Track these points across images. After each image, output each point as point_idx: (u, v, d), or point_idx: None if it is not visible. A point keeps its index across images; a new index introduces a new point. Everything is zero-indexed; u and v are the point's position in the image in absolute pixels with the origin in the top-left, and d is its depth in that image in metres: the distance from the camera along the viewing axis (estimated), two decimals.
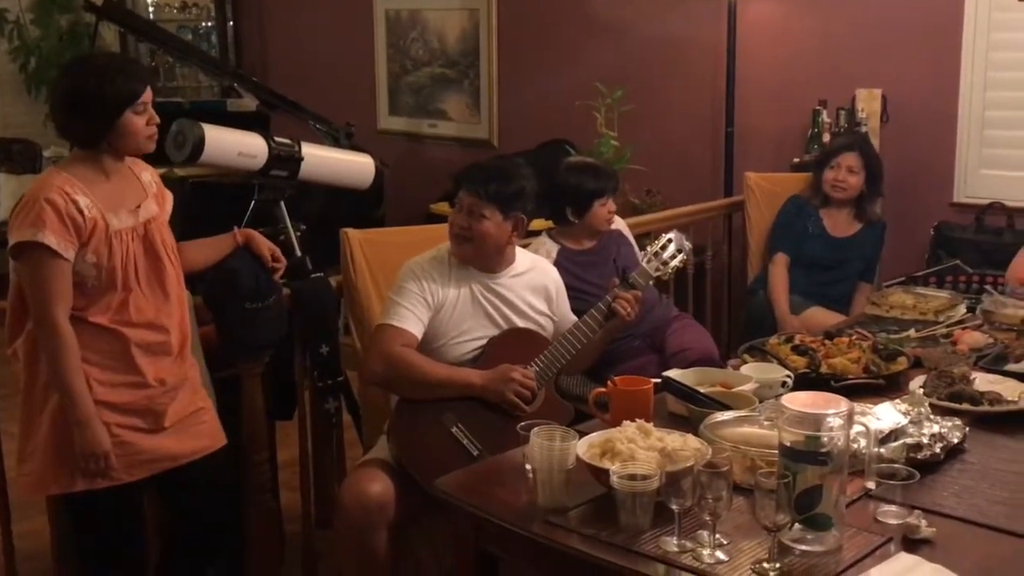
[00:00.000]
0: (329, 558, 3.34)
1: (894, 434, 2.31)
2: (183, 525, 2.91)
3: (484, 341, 2.94)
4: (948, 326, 3.32)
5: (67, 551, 3.04)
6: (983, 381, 2.74)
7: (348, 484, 2.84)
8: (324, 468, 3.45)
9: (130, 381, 2.64)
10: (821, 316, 4.07)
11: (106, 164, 2.64)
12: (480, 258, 2.95)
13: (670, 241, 3.04)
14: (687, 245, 3.07)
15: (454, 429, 2.81)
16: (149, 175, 2.80)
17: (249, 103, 6.19)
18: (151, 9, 7.79)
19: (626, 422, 2.26)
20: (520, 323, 2.99)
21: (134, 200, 2.69)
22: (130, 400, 2.64)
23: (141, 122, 2.60)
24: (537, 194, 3.02)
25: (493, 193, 2.88)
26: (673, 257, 3.03)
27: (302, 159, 3.42)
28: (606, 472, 2.05)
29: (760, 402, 2.53)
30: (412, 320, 2.88)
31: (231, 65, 7.15)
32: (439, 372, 2.85)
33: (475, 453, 2.78)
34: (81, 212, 2.53)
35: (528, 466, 2.18)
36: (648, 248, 3.08)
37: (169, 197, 2.84)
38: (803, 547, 1.92)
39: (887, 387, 2.77)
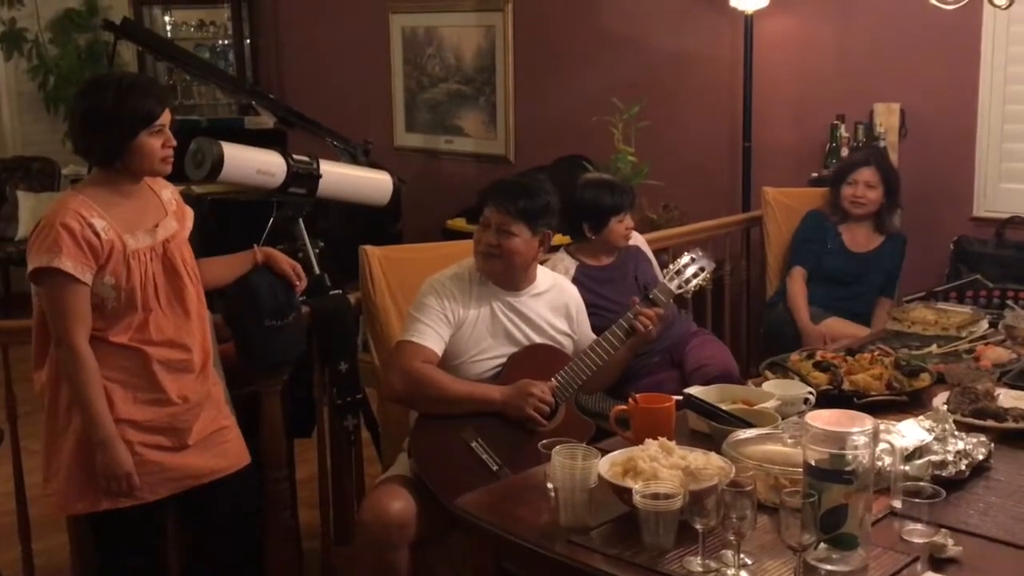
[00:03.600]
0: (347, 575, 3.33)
1: (919, 451, 2.29)
2: (205, 543, 2.90)
3: (504, 359, 2.93)
4: (970, 341, 3.29)
5: (87, 569, 3.05)
6: (1007, 397, 2.72)
7: (369, 502, 2.84)
8: (343, 485, 3.44)
9: (153, 398, 2.64)
10: (840, 325, 4.05)
11: (123, 184, 2.64)
12: (508, 275, 2.95)
13: (693, 259, 3.04)
14: (710, 263, 3.06)
15: (474, 444, 2.81)
16: (169, 193, 2.80)
17: (266, 121, 6.22)
18: (168, 28, 7.84)
19: (648, 440, 2.25)
20: (540, 341, 2.98)
21: (152, 219, 2.69)
22: (153, 418, 2.64)
23: (157, 144, 2.60)
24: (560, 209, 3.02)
25: (521, 209, 2.89)
26: (696, 275, 3.02)
27: (320, 176, 3.43)
28: (629, 491, 2.04)
29: (782, 419, 2.51)
30: (432, 337, 2.88)
31: (248, 83, 7.19)
32: (459, 388, 2.85)
33: (494, 468, 2.77)
34: (98, 235, 2.53)
35: (550, 485, 2.18)
36: (670, 266, 3.08)
37: (190, 214, 2.85)
38: (829, 567, 1.90)
39: (910, 404, 2.75)
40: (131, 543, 2.73)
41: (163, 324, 2.65)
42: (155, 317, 2.64)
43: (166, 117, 2.62)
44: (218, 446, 2.77)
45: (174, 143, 2.66)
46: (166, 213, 2.73)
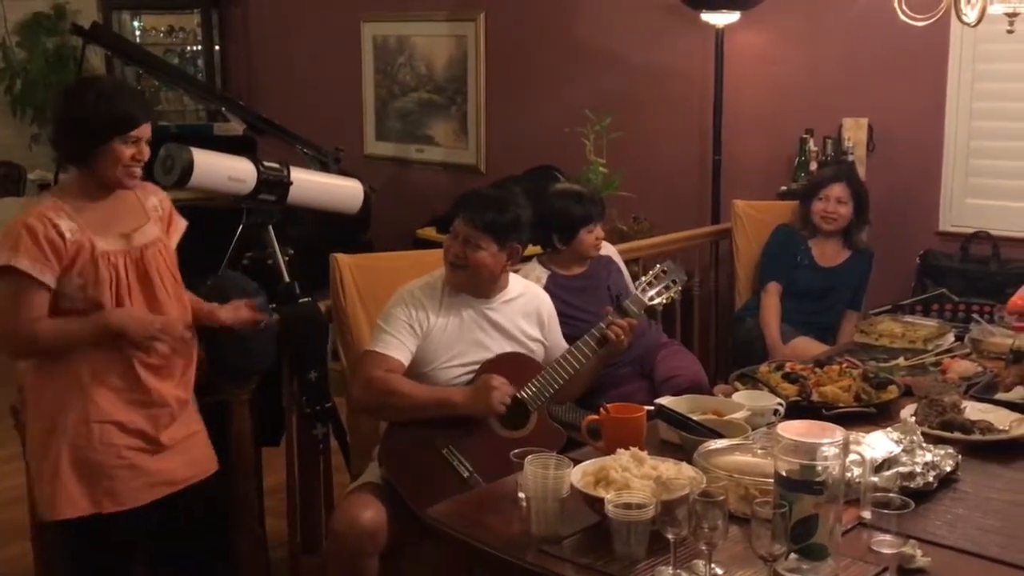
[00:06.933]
0: None
1: (887, 463, 2.31)
2: (174, 553, 2.87)
3: (475, 366, 2.92)
4: (937, 355, 3.33)
5: None
6: (973, 410, 2.74)
7: (340, 510, 2.83)
8: (311, 494, 3.42)
9: (136, 399, 2.63)
10: (809, 346, 4.08)
11: (97, 187, 2.63)
12: (474, 285, 2.95)
13: (665, 272, 3.05)
14: (681, 276, 3.07)
15: (444, 451, 2.81)
16: (157, 200, 2.78)
17: (236, 127, 6.18)
18: (138, 33, 7.80)
19: (620, 450, 2.25)
20: (510, 348, 2.98)
21: (129, 224, 2.67)
22: (135, 419, 2.63)
23: (127, 153, 2.58)
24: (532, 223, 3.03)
25: (489, 223, 2.89)
26: (668, 288, 3.03)
27: (291, 183, 3.41)
28: (601, 501, 2.04)
29: (752, 430, 2.53)
30: (397, 346, 2.87)
31: (218, 89, 7.15)
32: (420, 393, 2.84)
33: (465, 475, 2.77)
34: (62, 236, 2.52)
35: (521, 494, 2.18)
36: (643, 278, 3.09)
37: (180, 223, 2.82)
38: None
39: (878, 415, 2.77)
40: (106, 553, 2.69)
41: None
42: None
43: (143, 131, 2.60)
44: (190, 452, 2.77)
45: (145, 157, 2.64)
46: (147, 219, 2.71)
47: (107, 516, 2.61)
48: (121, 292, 2.60)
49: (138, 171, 2.64)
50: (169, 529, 2.81)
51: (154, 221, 2.72)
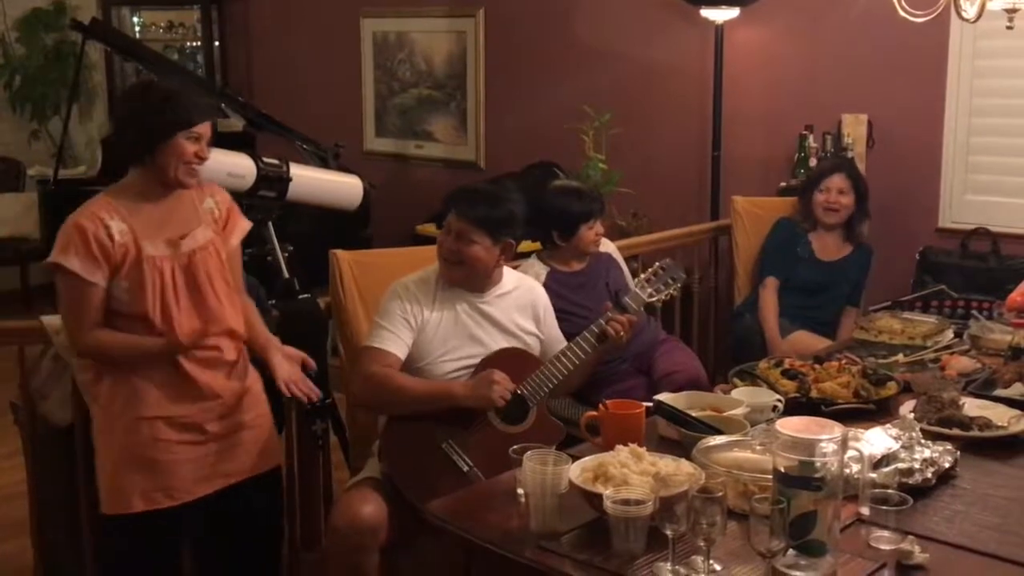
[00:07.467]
0: None
1: (886, 459, 2.31)
2: (228, 548, 2.88)
3: (470, 360, 2.93)
4: (936, 351, 3.33)
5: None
6: (972, 406, 2.74)
7: (340, 505, 2.83)
8: (310, 490, 3.42)
9: (184, 393, 2.64)
10: (808, 340, 4.08)
11: (153, 190, 2.63)
12: (470, 280, 2.96)
13: (663, 269, 3.05)
14: (680, 274, 3.08)
15: (444, 445, 2.81)
16: (213, 202, 2.76)
17: (235, 123, 6.18)
18: (137, 29, 7.79)
19: (619, 446, 2.25)
20: (506, 342, 2.98)
21: (180, 229, 2.66)
22: (186, 414, 2.64)
23: (190, 150, 2.58)
24: (525, 217, 3.02)
25: (482, 218, 2.89)
26: (667, 284, 3.03)
27: (290, 179, 3.42)
28: (599, 497, 2.04)
29: (751, 426, 2.53)
30: (393, 341, 2.88)
31: (218, 85, 7.14)
32: (418, 387, 2.85)
33: (465, 469, 2.78)
34: (112, 237, 2.53)
35: (520, 490, 2.18)
36: (642, 275, 3.09)
37: (241, 224, 2.81)
38: (797, 573, 1.91)
39: (877, 412, 2.77)
40: (161, 547, 2.71)
41: (187, 330, 2.63)
42: (177, 326, 2.61)
43: (205, 128, 2.62)
44: (245, 444, 2.76)
45: (207, 156, 2.64)
46: (199, 223, 2.70)
47: (161, 510, 2.63)
48: (167, 298, 2.59)
49: (197, 169, 2.64)
50: (226, 523, 2.81)
51: (207, 224, 2.71)
